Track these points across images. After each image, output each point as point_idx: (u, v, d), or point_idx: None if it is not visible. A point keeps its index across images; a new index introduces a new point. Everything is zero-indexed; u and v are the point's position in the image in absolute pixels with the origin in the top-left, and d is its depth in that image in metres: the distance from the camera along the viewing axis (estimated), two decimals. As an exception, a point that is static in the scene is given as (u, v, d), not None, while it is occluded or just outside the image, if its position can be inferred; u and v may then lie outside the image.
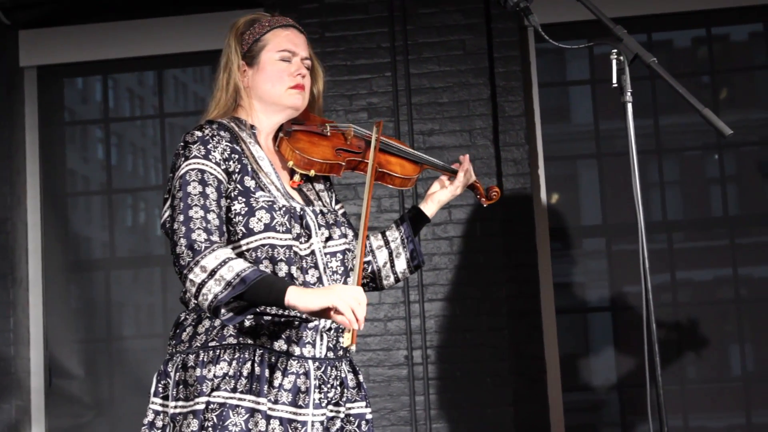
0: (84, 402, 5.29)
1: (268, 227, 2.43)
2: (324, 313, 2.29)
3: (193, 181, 2.41)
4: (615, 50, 2.57)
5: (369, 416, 2.60)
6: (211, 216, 2.39)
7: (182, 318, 2.52)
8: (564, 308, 5.08)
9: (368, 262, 2.79)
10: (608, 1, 4.90)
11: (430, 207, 2.85)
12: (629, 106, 2.56)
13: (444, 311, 4.77)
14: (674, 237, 5.17)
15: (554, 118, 5.32)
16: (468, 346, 4.74)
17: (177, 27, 5.32)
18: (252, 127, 2.59)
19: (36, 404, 5.21)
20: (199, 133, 2.48)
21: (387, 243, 2.80)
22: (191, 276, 2.31)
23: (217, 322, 2.43)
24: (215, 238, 2.36)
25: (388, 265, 2.80)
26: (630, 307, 5.07)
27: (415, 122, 4.89)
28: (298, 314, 2.43)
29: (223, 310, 2.30)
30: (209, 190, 2.41)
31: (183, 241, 2.35)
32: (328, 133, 2.65)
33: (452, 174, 2.89)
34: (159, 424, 2.47)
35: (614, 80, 2.56)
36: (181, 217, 2.37)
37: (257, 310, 2.40)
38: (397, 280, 2.82)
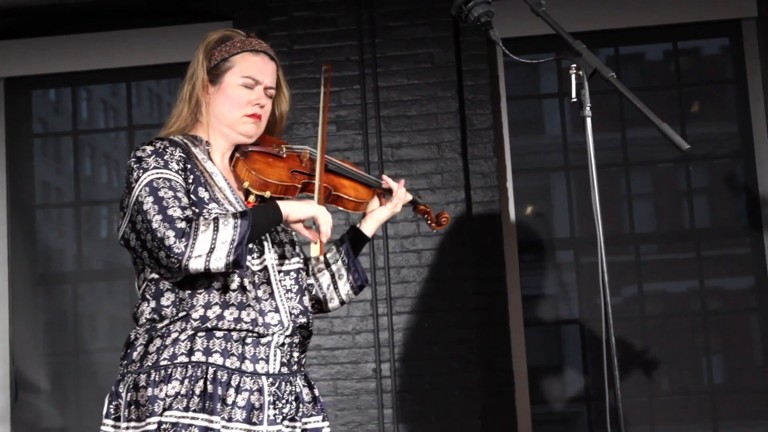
0: (50, 416, 5.25)
1: None
2: (298, 224, 2.46)
3: (163, 187, 2.39)
4: (574, 65, 2.58)
5: (326, 430, 2.59)
6: (189, 212, 2.38)
7: (132, 337, 2.50)
8: (532, 321, 5.09)
9: (311, 285, 2.78)
10: (578, 15, 4.95)
11: (369, 226, 2.83)
12: (588, 121, 2.57)
13: (412, 324, 4.77)
14: (643, 249, 5.20)
15: (523, 131, 5.34)
16: (436, 359, 4.74)
17: (149, 39, 5.32)
18: (207, 143, 2.58)
19: (2, 418, 5.17)
20: (150, 148, 2.47)
21: (328, 265, 2.79)
22: (195, 253, 2.31)
23: (168, 341, 2.41)
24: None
25: (332, 287, 2.79)
26: (598, 319, 5.06)
27: (384, 135, 4.89)
28: (251, 330, 2.43)
29: (244, 256, 2.35)
30: (180, 194, 2.40)
31: (171, 233, 2.32)
32: (284, 155, 2.64)
33: (389, 193, 2.86)
34: None
35: (573, 95, 2.58)
36: (160, 217, 2.34)
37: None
38: (341, 302, 2.81)
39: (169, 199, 2.37)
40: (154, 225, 2.33)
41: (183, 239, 2.31)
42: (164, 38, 5.30)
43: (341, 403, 4.73)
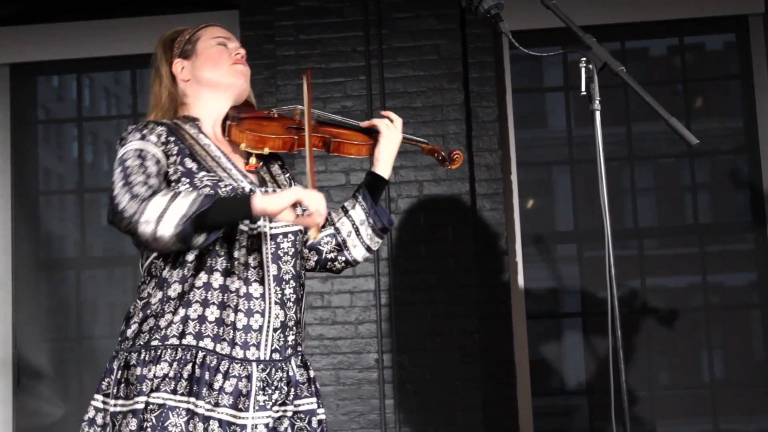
0: (53, 401, 5.26)
1: None
2: (287, 214, 2.33)
3: (131, 157, 2.42)
4: (584, 58, 2.58)
5: (322, 416, 2.57)
6: (152, 180, 2.38)
7: (131, 313, 2.50)
8: (535, 313, 5.10)
9: (332, 235, 2.74)
10: (583, 9, 4.95)
11: (382, 165, 2.76)
12: (597, 114, 2.57)
13: (415, 315, 4.78)
14: (646, 244, 5.20)
15: (528, 124, 5.34)
16: (438, 350, 4.74)
17: (153, 27, 5.30)
18: (194, 119, 2.60)
19: (4, 403, 5.19)
20: (132, 126, 2.51)
21: (347, 212, 2.74)
22: (144, 217, 2.28)
23: (162, 322, 2.42)
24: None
25: (353, 233, 2.73)
26: (601, 313, 5.08)
27: (389, 126, 4.88)
28: (244, 315, 2.43)
29: (192, 234, 2.28)
30: (148, 163, 2.42)
31: (126, 197, 2.32)
32: (275, 116, 2.67)
33: (377, 134, 2.78)
34: (99, 421, 2.48)
35: (583, 88, 2.58)
36: (121, 183, 2.36)
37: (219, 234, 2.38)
38: (368, 248, 2.75)
39: (134, 166, 2.39)
40: (114, 191, 2.36)
41: (135, 202, 2.31)
42: (170, 26, 5.21)
43: (343, 393, 4.74)
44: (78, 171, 5.53)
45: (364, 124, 2.79)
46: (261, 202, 2.31)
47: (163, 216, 2.27)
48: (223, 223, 2.36)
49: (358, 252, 2.75)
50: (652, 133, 5.28)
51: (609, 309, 2.51)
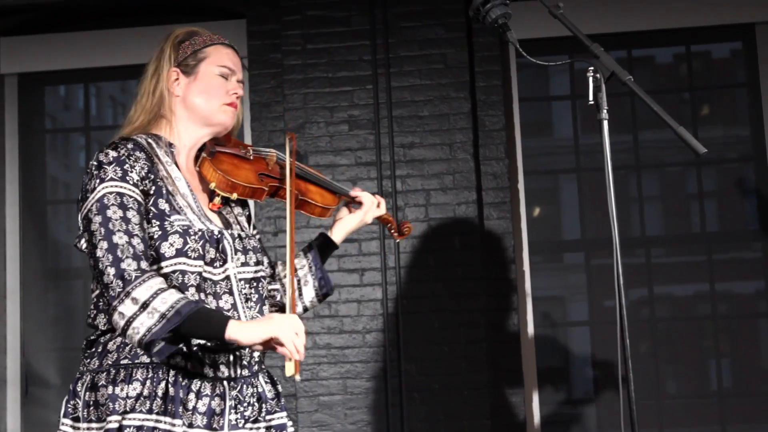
0: (60, 410, 5.25)
1: (179, 252, 2.35)
2: (265, 344, 2.26)
3: (113, 205, 2.33)
4: (591, 68, 2.58)
5: (291, 429, 2.56)
6: (135, 241, 2.30)
7: (93, 335, 2.44)
8: (542, 321, 5.09)
9: (277, 290, 2.72)
10: (590, 17, 4.96)
11: (337, 233, 2.78)
12: (605, 123, 2.58)
13: (422, 324, 4.78)
14: (653, 252, 5.20)
15: (534, 132, 5.34)
16: (446, 359, 4.74)
17: (160, 36, 5.31)
18: (170, 145, 2.51)
19: (12, 413, 5.19)
20: (114, 153, 2.38)
21: (294, 271, 2.71)
22: (121, 308, 2.23)
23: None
24: (144, 265, 2.29)
25: (296, 293, 2.73)
26: (608, 322, 5.08)
27: (396, 135, 4.90)
28: (210, 346, 2.38)
29: (155, 344, 2.24)
30: (130, 213, 2.33)
31: (111, 270, 2.26)
32: (251, 157, 2.60)
33: (359, 204, 2.80)
34: None
35: (590, 97, 2.58)
36: (105, 245, 2.29)
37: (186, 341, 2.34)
38: (304, 309, 2.75)
39: (116, 221, 2.31)
40: (99, 253, 2.29)
41: (120, 282, 2.25)
42: (177, 36, 5.30)
43: (350, 402, 4.74)
44: (85, 180, 5.53)
45: (354, 192, 2.79)
46: (234, 332, 2.25)
47: (136, 316, 2.23)
48: (189, 337, 2.30)
49: (296, 311, 2.73)
50: (659, 142, 5.29)
51: (617, 317, 2.51)
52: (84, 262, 5.50)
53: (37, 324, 5.33)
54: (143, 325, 2.22)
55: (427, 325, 4.78)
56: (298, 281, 2.73)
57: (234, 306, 2.42)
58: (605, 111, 2.56)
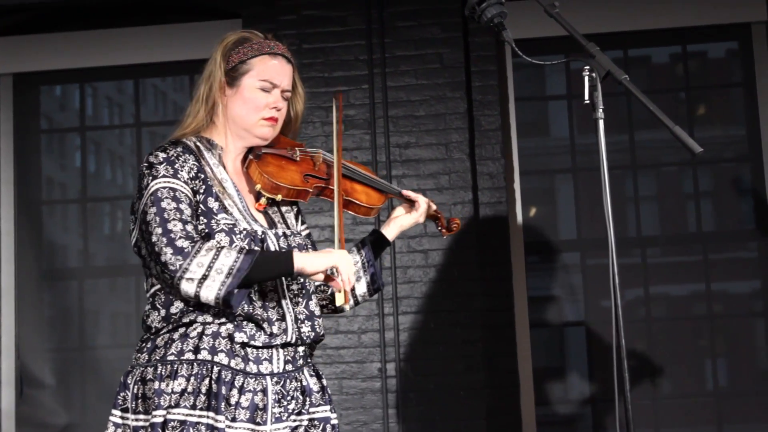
0: (55, 412, 5.25)
1: None
2: (318, 275, 2.41)
3: (166, 198, 2.42)
4: (587, 67, 2.58)
5: (334, 421, 2.61)
6: (189, 227, 2.40)
7: (145, 329, 2.53)
8: (538, 322, 5.09)
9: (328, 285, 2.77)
10: (586, 17, 4.95)
11: (391, 231, 2.84)
12: (601, 123, 2.57)
13: (418, 324, 4.77)
14: (649, 252, 5.20)
15: (531, 132, 5.34)
16: (442, 359, 4.74)
17: (156, 36, 5.32)
18: (219, 148, 2.59)
19: (6, 414, 5.18)
20: (163, 155, 2.49)
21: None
22: (188, 275, 2.33)
23: (176, 335, 2.44)
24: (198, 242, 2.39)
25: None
26: (604, 322, 5.08)
27: (392, 135, 4.89)
28: (255, 337, 2.45)
29: (231, 297, 2.34)
30: (183, 206, 2.42)
31: (169, 249, 2.35)
32: (298, 158, 2.65)
33: (407, 201, 2.86)
34: None
35: (586, 97, 2.58)
36: (160, 230, 2.38)
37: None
38: (356, 302, 2.81)
39: (171, 210, 2.40)
40: (154, 238, 2.38)
41: (179, 257, 2.35)
42: (172, 36, 5.30)
43: (346, 403, 4.73)
44: (81, 180, 5.53)
45: (407, 193, 2.84)
46: (300, 261, 2.39)
47: (206, 277, 2.33)
48: (261, 281, 2.43)
49: (347, 306, 2.76)
50: (655, 141, 5.28)
51: (613, 317, 2.50)
52: (79, 262, 5.49)
53: (32, 325, 5.32)
54: (215, 282, 2.32)
55: (422, 325, 4.77)
56: None
57: (278, 303, 2.50)
58: (601, 111, 2.56)
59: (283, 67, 2.61)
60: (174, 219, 2.39)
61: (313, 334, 2.57)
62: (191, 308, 2.45)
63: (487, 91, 4.97)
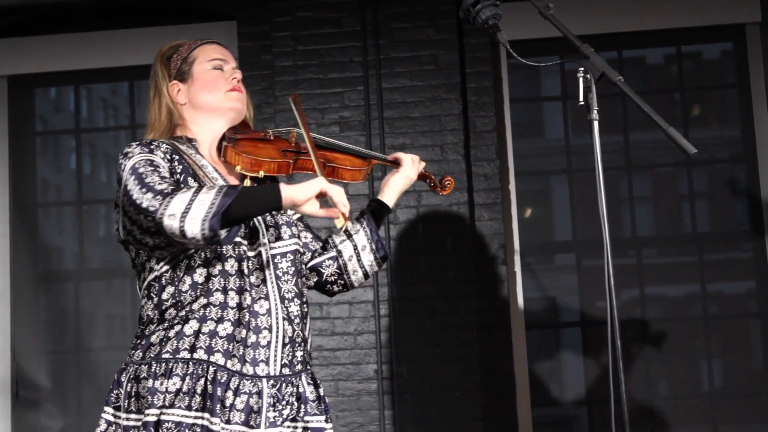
0: (51, 414, 5.25)
1: None
2: (312, 205, 2.33)
3: (143, 165, 2.41)
4: (582, 68, 2.59)
5: (329, 431, 2.59)
6: (168, 181, 2.38)
7: (140, 326, 2.52)
8: (534, 323, 5.09)
9: (333, 258, 2.76)
10: (580, 18, 4.96)
11: (389, 195, 2.84)
12: (595, 124, 2.58)
13: (414, 325, 4.77)
14: (644, 253, 5.20)
15: (525, 133, 5.34)
16: (437, 361, 4.74)
17: (150, 38, 5.31)
18: (191, 140, 2.61)
19: (2, 417, 5.17)
20: (135, 143, 2.51)
21: (350, 236, 2.78)
22: (169, 211, 2.25)
23: (172, 333, 2.42)
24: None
25: (354, 258, 2.77)
26: (600, 323, 5.08)
27: (387, 136, 4.90)
28: (253, 332, 2.44)
29: (219, 229, 2.25)
30: (161, 169, 2.42)
31: (148, 195, 2.31)
32: (271, 137, 2.66)
33: (398, 166, 2.87)
34: None
35: (581, 98, 2.58)
36: (138, 185, 2.35)
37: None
38: (365, 274, 2.79)
39: (148, 173, 2.38)
40: (134, 195, 2.33)
41: (158, 197, 2.29)
42: (167, 38, 5.23)
43: (342, 404, 4.73)
44: (76, 182, 5.53)
45: (391, 156, 2.85)
46: (288, 191, 2.31)
47: (188, 211, 2.24)
48: (249, 216, 2.38)
49: (356, 277, 2.79)
50: (650, 142, 5.29)
51: (608, 318, 2.51)
52: (74, 265, 5.49)
53: (28, 327, 5.31)
54: (198, 214, 2.23)
55: (418, 326, 4.77)
56: (354, 247, 2.77)
57: (264, 281, 2.48)
58: (596, 112, 2.57)
59: (224, 49, 2.72)
60: (151, 175, 2.37)
61: (301, 312, 2.55)
62: (181, 298, 2.42)
63: (482, 92, 4.97)
